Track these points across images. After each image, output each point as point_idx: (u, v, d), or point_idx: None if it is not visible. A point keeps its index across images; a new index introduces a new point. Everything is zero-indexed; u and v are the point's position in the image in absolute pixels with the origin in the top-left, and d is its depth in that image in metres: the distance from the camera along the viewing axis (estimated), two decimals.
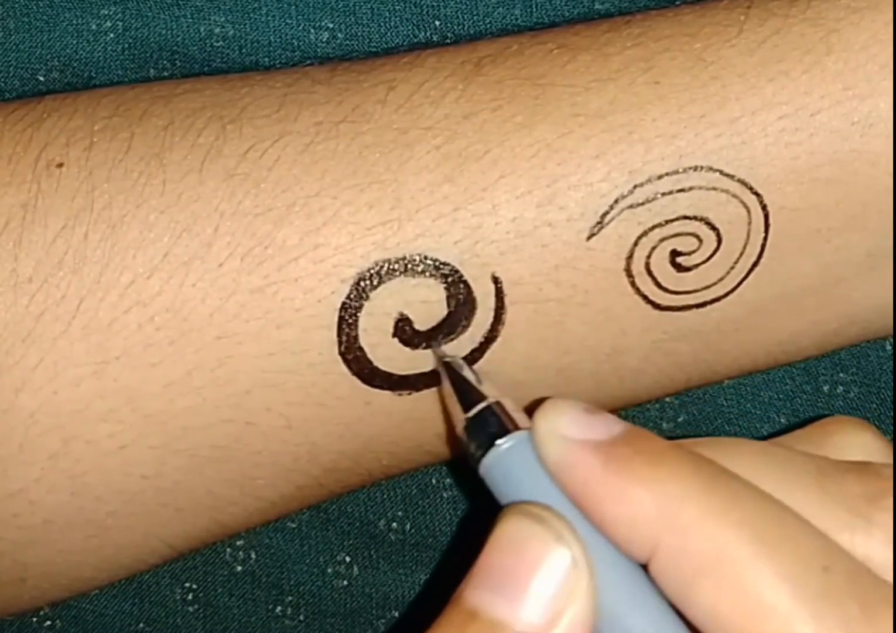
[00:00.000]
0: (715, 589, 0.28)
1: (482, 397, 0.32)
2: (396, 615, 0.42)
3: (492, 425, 0.32)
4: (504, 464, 0.31)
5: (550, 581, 0.29)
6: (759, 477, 0.30)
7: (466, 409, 0.32)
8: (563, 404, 0.30)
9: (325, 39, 0.38)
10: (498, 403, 0.32)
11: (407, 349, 0.34)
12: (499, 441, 0.31)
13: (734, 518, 0.28)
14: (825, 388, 0.41)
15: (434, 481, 0.41)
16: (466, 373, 0.33)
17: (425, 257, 0.33)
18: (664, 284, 0.34)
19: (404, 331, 0.34)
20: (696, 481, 0.29)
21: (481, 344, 0.34)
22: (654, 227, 0.34)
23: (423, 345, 0.34)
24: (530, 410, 0.31)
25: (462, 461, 0.34)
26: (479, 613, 0.29)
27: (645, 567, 0.29)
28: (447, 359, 0.34)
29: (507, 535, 0.29)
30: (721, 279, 0.35)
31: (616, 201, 0.33)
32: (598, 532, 0.30)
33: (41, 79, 0.38)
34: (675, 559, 0.29)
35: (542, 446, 0.30)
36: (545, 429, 0.30)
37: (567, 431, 0.30)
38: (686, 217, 0.34)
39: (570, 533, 0.29)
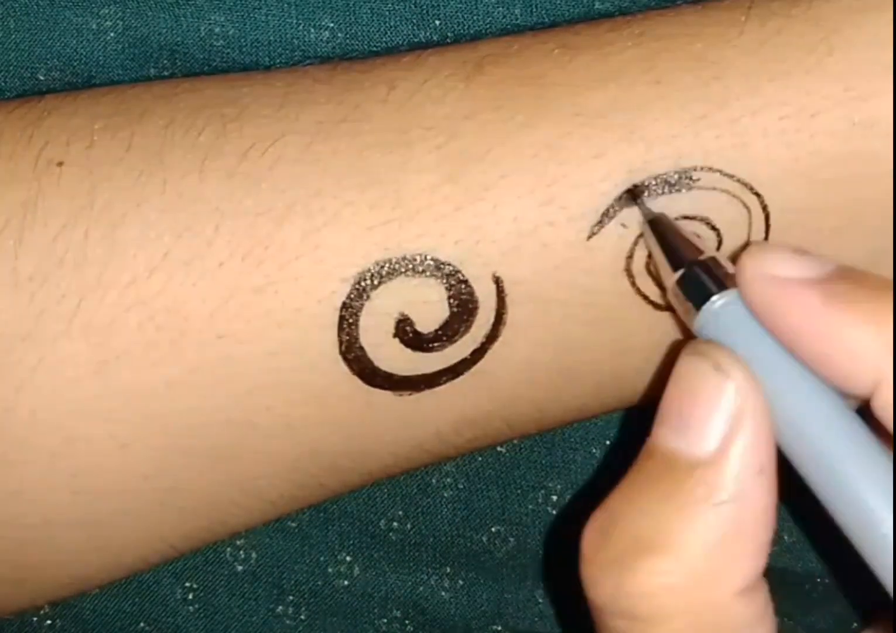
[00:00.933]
0: None
1: (691, 254, 0.32)
2: (398, 614, 0.42)
3: (703, 282, 0.32)
4: (717, 321, 0.31)
5: (715, 411, 0.30)
6: None
7: (675, 267, 0.32)
8: (770, 246, 0.31)
9: (325, 39, 0.38)
10: (712, 258, 0.32)
11: (408, 350, 0.34)
12: (712, 299, 0.31)
13: None
14: None
15: (434, 480, 0.41)
16: (673, 229, 0.33)
17: (426, 257, 0.33)
18: (666, 283, 0.34)
19: (405, 331, 0.34)
20: None
21: (482, 344, 0.34)
22: None
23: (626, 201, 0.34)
24: None
25: None
26: (656, 448, 0.31)
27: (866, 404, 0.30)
28: (652, 215, 0.33)
29: (678, 373, 0.31)
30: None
31: (617, 201, 0.33)
32: (811, 374, 0.30)
33: (41, 78, 0.38)
34: None
35: (752, 288, 0.31)
36: (754, 270, 0.31)
37: (778, 270, 0.30)
38: (686, 217, 0.34)
39: (730, 362, 0.30)
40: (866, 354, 0.29)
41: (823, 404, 0.30)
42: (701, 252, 0.32)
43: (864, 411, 0.30)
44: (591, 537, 0.31)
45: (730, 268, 0.32)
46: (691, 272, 0.32)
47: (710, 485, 0.30)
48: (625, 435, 0.42)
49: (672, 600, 0.30)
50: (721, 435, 0.30)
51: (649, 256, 0.34)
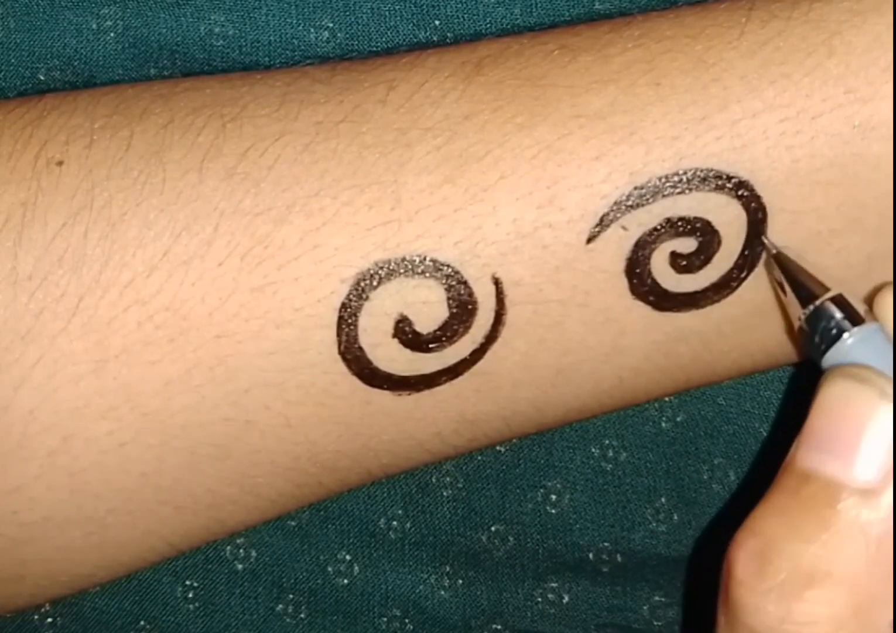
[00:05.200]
0: None
1: (820, 290, 0.32)
2: (398, 613, 0.42)
3: (835, 318, 0.32)
4: (850, 358, 0.31)
5: (880, 438, 0.30)
6: None
7: (804, 303, 0.32)
8: None
9: (325, 39, 0.38)
10: (839, 295, 0.32)
11: (407, 350, 0.34)
12: (845, 335, 0.31)
13: None
14: None
15: (434, 479, 0.41)
16: (799, 265, 0.33)
17: (425, 258, 0.33)
18: (664, 285, 0.34)
19: (404, 331, 0.34)
20: None
21: (482, 345, 0.34)
22: (654, 228, 0.34)
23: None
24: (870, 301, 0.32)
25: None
26: (813, 474, 0.30)
27: None
28: (778, 250, 0.34)
29: (833, 397, 0.30)
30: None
31: (616, 203, 0.33)
32: None
33: (42, 78, 0.38)
34: None
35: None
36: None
37: None
38: (686, 219, 0.34)
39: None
40: None
41: None
42: (827, 289, 0.33)
43: None
44: (747, 562, 0.31)
45: (857, 304, 0.32)
46: (820, 309, 0.32)
47: (874, 514, 0.30)
48: (624, 436, 0.42)
49: (835, 628, 0.30)
50: (883, 464, 0.30)
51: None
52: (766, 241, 0.34)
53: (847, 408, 0.30)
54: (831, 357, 0.32)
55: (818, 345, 0.32)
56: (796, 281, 0.33)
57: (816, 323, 0.32)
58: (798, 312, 0.33)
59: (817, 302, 0.32)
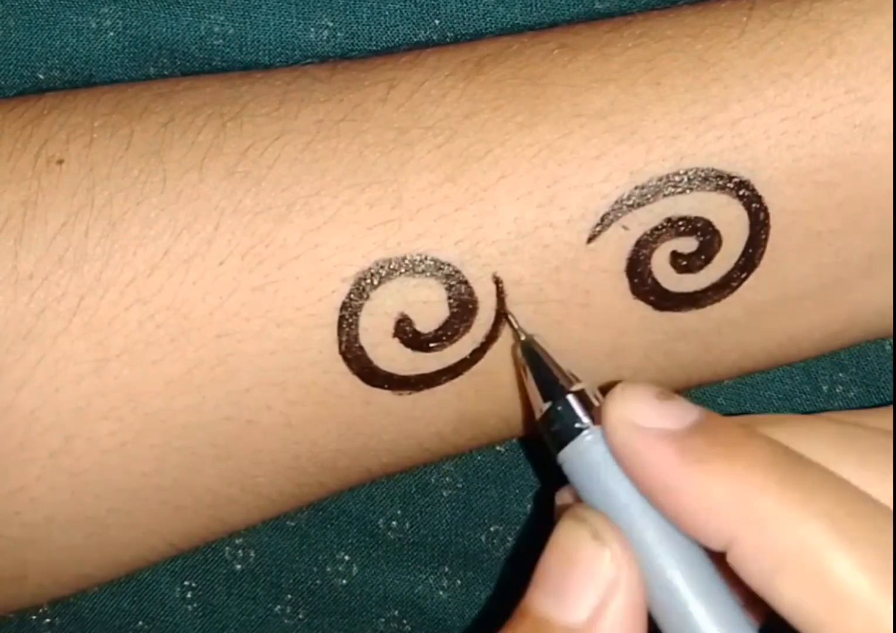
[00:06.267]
0: (796, 582, 0.29)
1: (562, 384, 0.32)
2: (396, 613, 0.42)
3: (571, 416, 0.32)
4: (581, 457, 0.31)
5: (590, 579, 0.30)
6: (836, 461, 0.30)
7: (545, 396, 0.32)
8: (635, 390, 0.31)
9: (324, 38, 0.38)
10: (580, 391, 0.32)
11: (407, 349, 0.34)
12: (575, 439, 0.31)
13: (813, 510, 0.29)
14: (824, 388, 0.41)
15: (433, 480, 0.41)
16: (546, 355, 0.33)
17: (426, 257, 0.33)
18: (664, 284, 0.34)
19: (405, 331, 0.34)
20: (774, 473, 0.29)
21: (482, 344, 0.34)
22: (654, 228, 0.34)
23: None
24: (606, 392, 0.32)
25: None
26: (529, 610, 0.30)
27: (722, 556, 0.30)
28: (526, 337, 0.34)
29: (556, 537, 0.31)
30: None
31: (617, 202, 0.33)
32: (669, 523, 0.30)
33: (41, 77, 0.38)
34: (754, 552, 0.29)
35: (613, 436, 0.31)
36: (616, 417, 0.30)
37: (639, 419, 0.30)
38: (687, 218, 0.34)
39: (608, 530, 0.30)
40: (718, 510, 0.29)
41: (674, 553, 0.30)
42: (571, 383, 0.32)
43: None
44: None
45: (599, 401, 0.32)
46: (560, 404, 0.32)
47: None
48: None
49: None
50: (594, 605, 0.30)
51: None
52: (514, 325, 0.34)
53: (563, 549, 0.31)
54: (563, 454, 0.32)
55: (552, 442, 0.32)
56: (542, 368, 0.33)
57: (554, 418, 0.32)
58: (539, 403, 0.33)
59: (549, 404, 0.32)
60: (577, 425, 0.32)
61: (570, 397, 0.32)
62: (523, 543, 0.42)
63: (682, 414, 0.30)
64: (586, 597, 0.30)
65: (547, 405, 0.32)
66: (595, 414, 0.32)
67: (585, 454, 0.31)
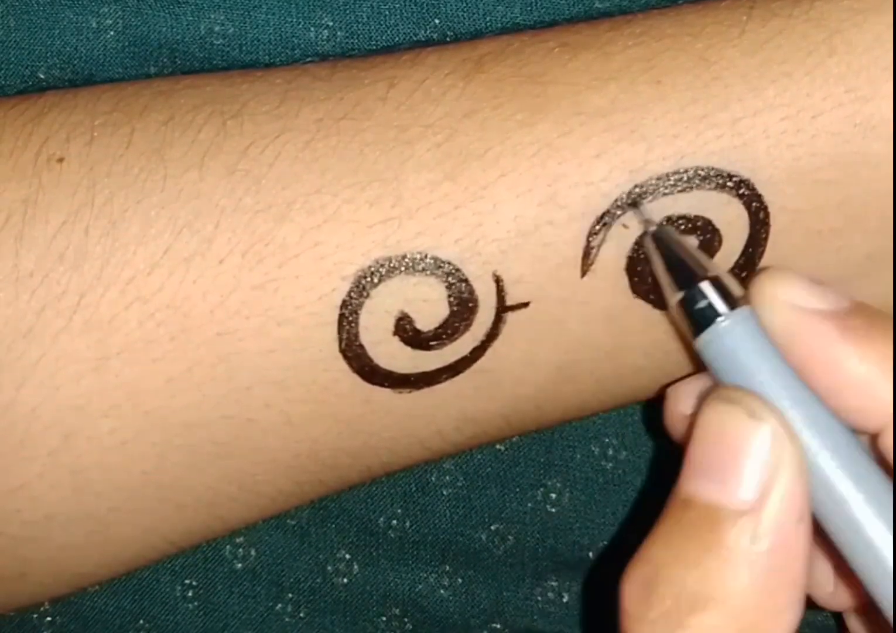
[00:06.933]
0: None
1: (698, 272, 0.32)
2: (397, 612, 0.42)
3: (709, 301, 0.32)
4: (724, 342, 0.31)
5: (753, 458, 0.30)
6: None
7: (680, 284, 0.32)
8: (787, 273, 0.31)
9: (324, 37, 0.38)
10: (716, 277, 0.32)
11: (408, 348, 0.34)
12: (718, 319, 0.31)
13: None
14: None
15: (434, 478, 0.41)
16: (679, 243, 0.33)
17: (426, 256, 0.33)
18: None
19: (405, 329, 0.34)
20: None
21: (482, 342, 0.34)
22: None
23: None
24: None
25: None
26: (693, 500, 0.30)
27: (874, 438, 0.30)
28: (655, 227, 0.33)
29: (708, 422, 0.31)
30: None
31: (617, 201, 0.33)
32: (823, 404, 0.30)
33: (41, 76, 0.38)
34: None
35: (771, 314, 0.31)
36: (774, 297, 0.31)
37: (798, 299, 0.31)
38: (687, 217, 0.34)
39: (765, 409, 0.30)
40: (878, 392, 0.30)
41: (831, 433, 0.30)
42: (706, 270, 0.32)
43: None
44: (634, 591, 0.30)
45: (734, 288, 0.32)
46: (696, 291, 0.32)
47: (752, 535, 0.30)
48: (624, 434, 0.42)
49: None
50: (760, 484, 0.30)
51: (649, 267, 0.34)
52: (644, 215, 0.33)
53: (718, 432, 0.30)
54: (705, 339, 0.32)
55: (691, 331, 0.32)
56: (676, 260, 0.33)
57: (691, 304, 0.32)
58: (674, 291, 0.32)
59: (690, 285, 0.32)
60: (716, 310, 0.31)
61: (707, 283, 0.32)
62: (523, 541, 0.42)
63: (838, 297, 0.31)
64: (753, 478, 0.30)
65: (684, 291, 0.32)
66: (733, 303, 0.32)
67: (730, 336, 0.31)
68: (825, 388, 0.30)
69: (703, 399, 0.31)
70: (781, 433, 0.30)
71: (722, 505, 0.30)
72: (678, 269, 0.33)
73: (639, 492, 0.42)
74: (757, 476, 0.30)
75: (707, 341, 0.32)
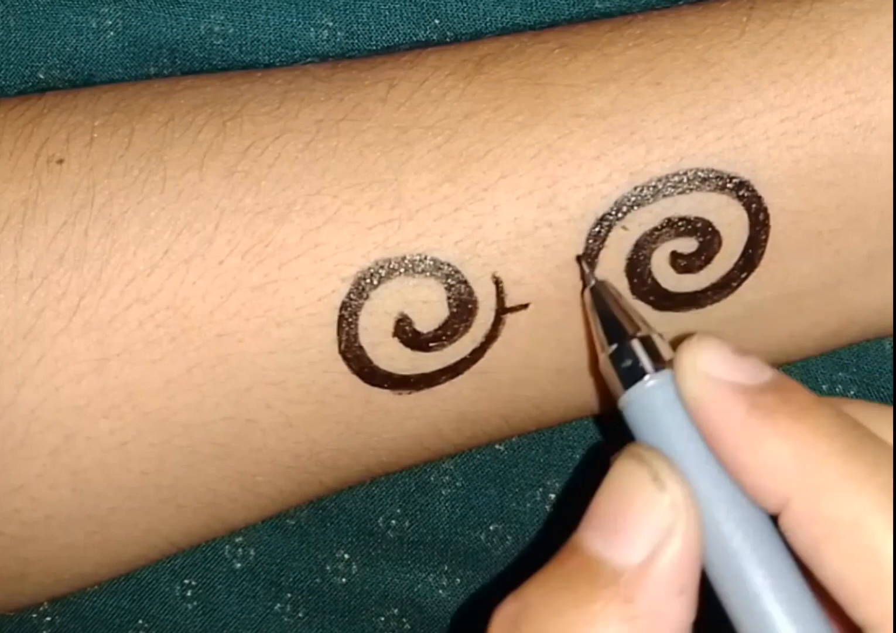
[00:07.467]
0: (845, 556, 0.28)
1: (629, 329, 0.32)
2: (396, 612, 0.43)
3: (636, 360, 0.32)
4: (644, 403, 0.31)
5: (645, 523, 0.29)
6: None
7: (612, 339, 0.32)
8: (711, 342, 0.30)
9: (324, 38, 0.38)
10: (646, 337, 0.32)
11: (407, 349, 0.34)
12: (644, 378, 0.31)
13: (873, 485, 0.28)
14: (824, 387, 0.41)
15: (433, 478, 0.41)
16: (614, 300, 0.33)
17: (426, 257, 0.33)
18: (664, 285, 0.34)
19: (404, 330, 0.34)
20: (840, 442, 0.29)
21: (482, 344, 0.34)
22: (654, 228, 0.34)
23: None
24: (676, 345, 0.31)
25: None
26: (581, 548, 0.30)
27: (774, 517, 0.29)
28: (595, 283, 0.33)
29: (613, 476, 0.30)
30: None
31: (617, 202, 0.33)
32: (728, 476, 0.30)
33: (41, 76, 0.38)
34: (806, 519, 0.29)
35: (684, 382, 0.30)
36: (690, 365, 0.30)
37: (713, 369, 0.30)
38: (687, 219, 0.34)
39: (670, 475, 0.29)
40: (779, 470, 0.29)
41: (736, 507, 0.30)
42: (638, 328, 0.32)
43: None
44: (501, 625, 0.30)
45: (664, 350, 0.32)
46: (626, 347, 0.32)
47: (628, 599, 0.29)
48: (623, 433, 0.42)
49: None
50: (647, 549, 0.29)
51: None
52: (585, 271, 0.34)
53: (619, 488, 0.30)
54: (628, 397, 0.31)
55: (615, 387, 0.32)
56: (609, 316, 0.33)
57: (622, 358, 0.32)
58: (605, 346, 0.32)
59: (616, 346, 0.32)
60: (643, 369, 0.31)
61: (637, 342, 0.32)
62: (522, 541, 0.42)
63: (757, 371, 0.30)
64: (641, 541, 0.29)
65: (614, 347, 0.32)
66: (660, 362, 0.31)
67: (650, 398, 0.31)
68: (730, 461, 0.30)
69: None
70: (680, 502, 0.29)
71: (604, 561, 0.29)
72: (612, 325, 0.33)
73: None
74: (646, 541, 0.29)
75: (629, 399, 0.31)
